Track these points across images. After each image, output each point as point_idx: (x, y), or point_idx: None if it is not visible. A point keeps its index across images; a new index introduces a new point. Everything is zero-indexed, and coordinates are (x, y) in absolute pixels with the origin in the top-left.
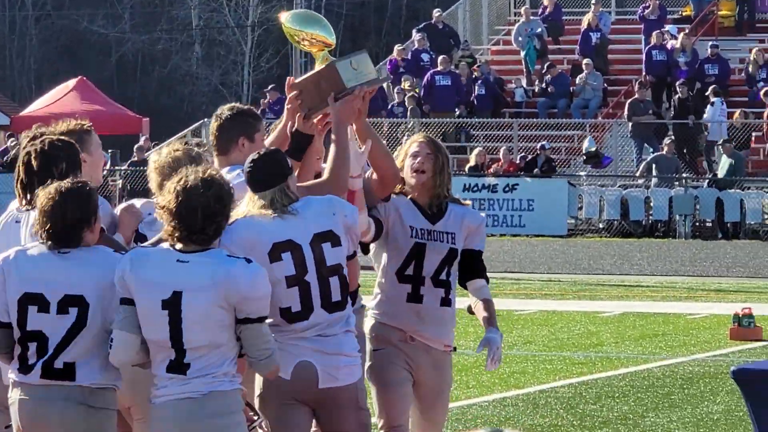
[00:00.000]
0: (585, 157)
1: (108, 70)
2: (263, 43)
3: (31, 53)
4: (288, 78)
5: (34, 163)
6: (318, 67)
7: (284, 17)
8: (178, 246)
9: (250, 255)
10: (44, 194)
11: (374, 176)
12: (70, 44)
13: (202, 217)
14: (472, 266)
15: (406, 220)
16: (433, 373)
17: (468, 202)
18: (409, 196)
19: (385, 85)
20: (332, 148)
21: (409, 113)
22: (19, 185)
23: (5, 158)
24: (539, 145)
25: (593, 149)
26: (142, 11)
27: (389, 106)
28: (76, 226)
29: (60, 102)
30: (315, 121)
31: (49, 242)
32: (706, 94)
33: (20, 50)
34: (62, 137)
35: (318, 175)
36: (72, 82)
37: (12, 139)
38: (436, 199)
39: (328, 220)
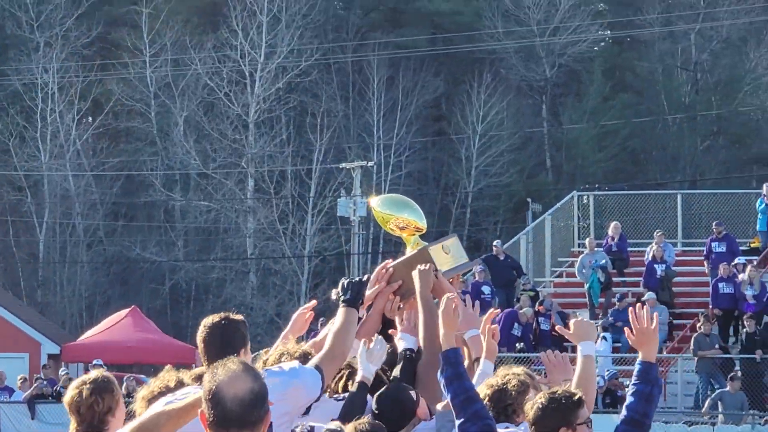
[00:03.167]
0: None
1: (161, 299)
2: (320, 273)
3: (82, 280)
4: (385, 261)
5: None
6: (408, 252)
7: (375, 202)
8: None
9: None
10: None
11: None
12: (122, 272)
13: None
14: None
15: None
16: None
17: None
18: None
19: None
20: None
21: None
22: None
23: (54, 387)
24: (599, 377)
25: None
26: (196, 238)
27: None
28: None
29: (111, 330)
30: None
31: None
32: None
33: (71, 277)
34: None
35: None
36: (124, 312)
37: (63, 369)
38: None
39: None
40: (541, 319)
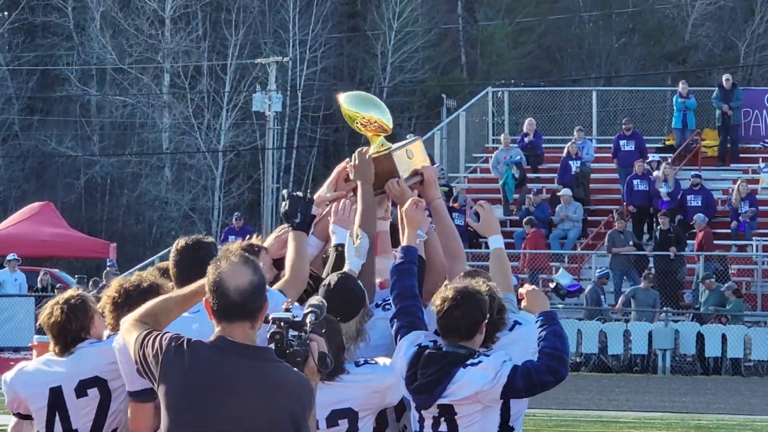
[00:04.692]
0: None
1: (76, 193)
2: (234, 168)
3: None
4: (345, 161)
5: None
6: (373, 150)
7: (342, 98)
8: None
9: None
10: None
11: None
12: (37, 166)
13: None
14: None
15: None
16: None
17: None
18: None
19: None
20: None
21: None
22: None
23: None
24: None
25: (560, 283)
26: (112, 133)
27: None
28: None
29: (24, 223)
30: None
31: None
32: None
33: None
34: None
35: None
36: (37, 206)
37: None
38: None
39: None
40: (455, 215)
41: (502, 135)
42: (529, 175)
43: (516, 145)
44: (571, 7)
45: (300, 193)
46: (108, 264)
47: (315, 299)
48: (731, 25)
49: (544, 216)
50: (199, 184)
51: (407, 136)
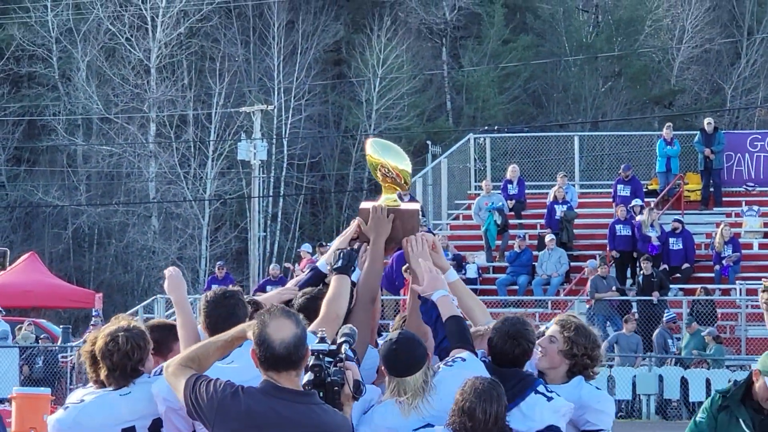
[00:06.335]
0: None
1: (63, 243)
2: (221, 216)
3: None
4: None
5: None
6: (382, 202)
7: (370, 142)
8: None
9: None
10: None
11: None
12: (24, 216)
13: None
14: None
15: None
16: None
17: None
18: None
19: None
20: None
21: None
22: None
23: None
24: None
25: None
26: (99, 183)
27: None
28: None
29: (6, 274)
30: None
31: None
32: None
33: None
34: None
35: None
36: (22, 257)
37: None
38: None
39: None
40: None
41: (484, 181)
42: (512, 221)
43: (498, 191)
44: (556, 51)
45: (347, 247)
46: (93, 314)
47: (347, 327)
48: (717, 69)
49: (528, 261)
50: (186, 233)
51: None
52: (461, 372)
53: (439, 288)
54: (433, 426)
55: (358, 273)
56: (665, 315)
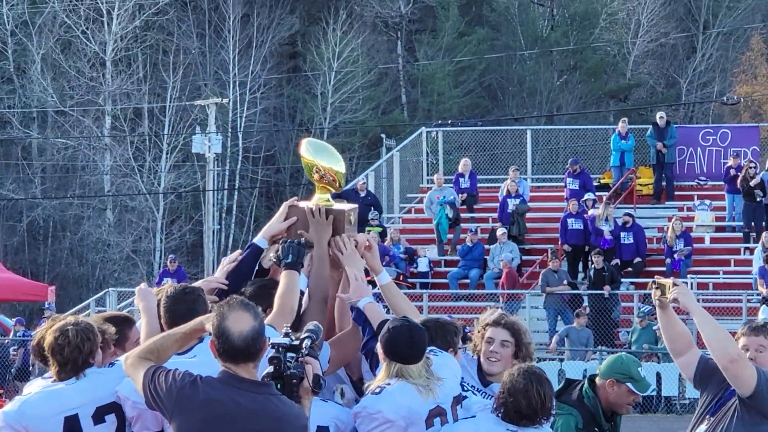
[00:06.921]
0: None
1: (18, 236)
2: (176, 210)
3: None
4: (292, 199)
5: None
6: (315, 202)
7: (305, 143)
8: None
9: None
10: None
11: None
12: None
13: None
14: None
15: None
16: None
17: None
18: None
19: None
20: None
21: None
22: None
23: None
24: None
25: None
26: (54, 176)
27: None
28: None
29: None
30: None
31: None
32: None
33: None
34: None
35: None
36: None
37: None
38: None
39: None
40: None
41: (435, 175)
42: (463, 215)
43: (450, 185)
44: (511, 44)
45: (294, 240)
46: (46, 307)
47: (311, 324)
48: (673, 63)
49: (479, 255)
50: (140, 226)
51: (360, 180)
52: (447, 361)
53: (365, 295)
54: (444, 408)
55: (305, 279)
56: (641, 309)
